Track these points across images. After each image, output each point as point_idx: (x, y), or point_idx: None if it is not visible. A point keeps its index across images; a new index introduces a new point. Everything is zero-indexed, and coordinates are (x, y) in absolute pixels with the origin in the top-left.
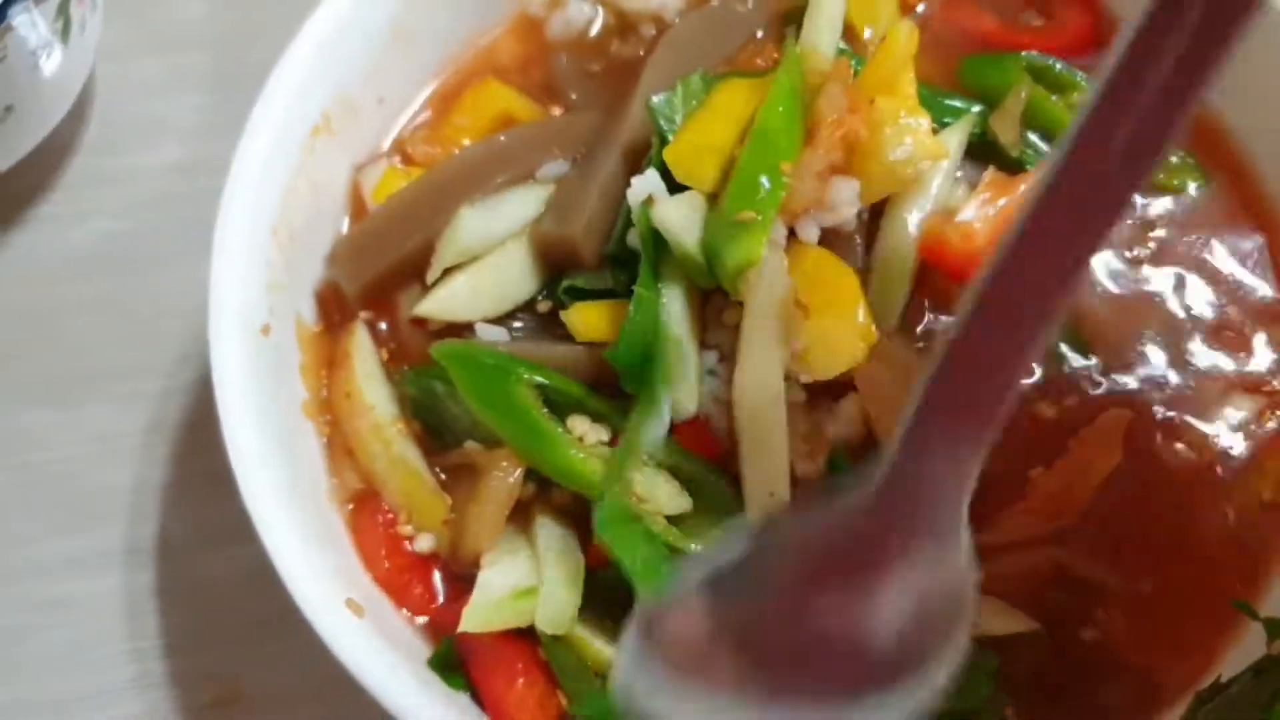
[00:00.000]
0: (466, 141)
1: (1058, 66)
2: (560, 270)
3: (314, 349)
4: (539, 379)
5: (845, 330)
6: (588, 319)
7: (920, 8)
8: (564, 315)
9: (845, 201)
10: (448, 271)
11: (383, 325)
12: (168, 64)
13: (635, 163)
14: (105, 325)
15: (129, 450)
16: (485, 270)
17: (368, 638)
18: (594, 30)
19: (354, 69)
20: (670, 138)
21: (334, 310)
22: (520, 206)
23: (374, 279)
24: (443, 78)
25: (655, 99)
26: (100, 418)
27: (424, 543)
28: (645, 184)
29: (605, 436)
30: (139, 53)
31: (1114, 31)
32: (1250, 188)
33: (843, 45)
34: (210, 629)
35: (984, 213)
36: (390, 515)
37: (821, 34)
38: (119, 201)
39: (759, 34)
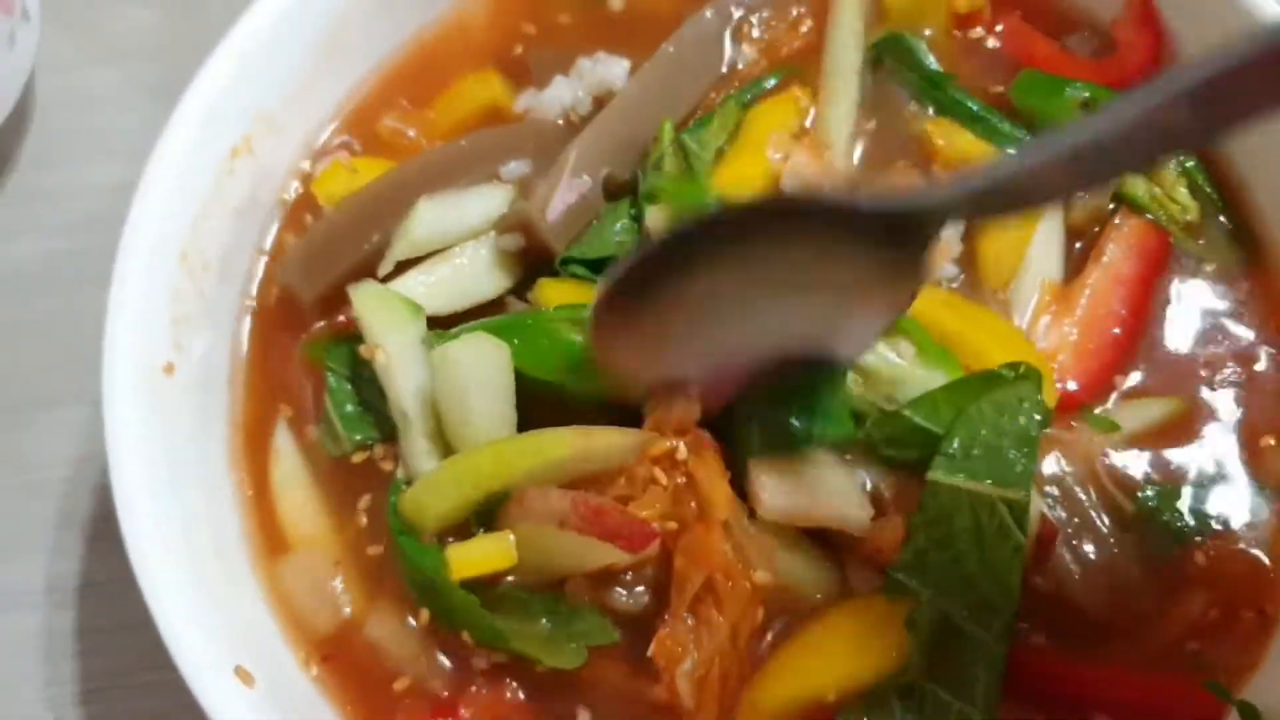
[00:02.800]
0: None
1: None
2: (532, 270)
3: (247, 384)
4: (566, 312)
5: None
6: (559, 292)
7: (978, 29)
8: (532, 293)
9: None
10: (403, 267)
11: (341, 318)
12: (112, 76)
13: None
14: (37, 350)
15: (54, 482)
16: (443, 265)
17: (252, 705)
18: None
19: (279, 87)
20: (696, 165)
21: (280, 330)
22: (483, 203)
23: (331, 284)
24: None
25: (685, 134)
26: (26, 446)
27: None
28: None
29: None
30: (82, 64)
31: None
32: None
33: None
34: (132, 672)
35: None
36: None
37: None
38: (57, 219)
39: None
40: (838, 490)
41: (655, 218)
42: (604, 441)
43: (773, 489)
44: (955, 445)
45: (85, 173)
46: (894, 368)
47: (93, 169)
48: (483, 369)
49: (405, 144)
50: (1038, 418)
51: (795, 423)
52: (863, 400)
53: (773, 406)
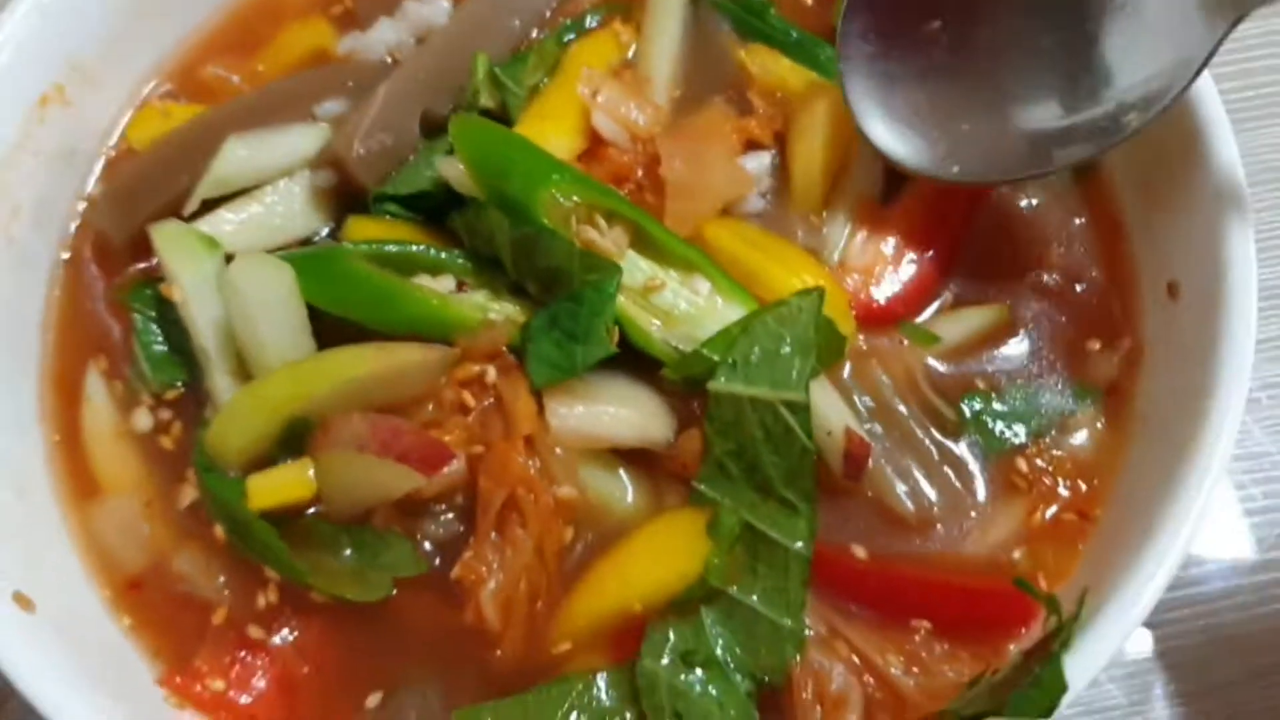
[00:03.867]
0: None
1: None
2: (348, 210)
3: (59, 331)
4: (366, 247)
5: None
6: (368, 230)
7: None
8: (343, 230)
9: None
10: (214, 207)
11: (153, 261)
12: None
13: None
14: None
15: None
16: (253, 203)
17: (29, 631)
18: None
19: (92, 38)
20: (511, 101)
21: (94, 278)
22: (295, 141)
23: (141, 226)
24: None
25: (500, 70)
26: None
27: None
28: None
29: (450, 285)
30: None
31: None
32: None
33: None
34: None
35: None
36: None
37: None
38: None
39: None
40: (636, 409)
41: (448, 167)
42: (405, 357)
43: (564, 414)
44: (735, 355)
45: None
46: (691, 306)
47: None
48: (267, 290)
49: (230, 91)
50: (815, 323)
51: (559, 347)
52: (664, 343)
53: (542, 333)
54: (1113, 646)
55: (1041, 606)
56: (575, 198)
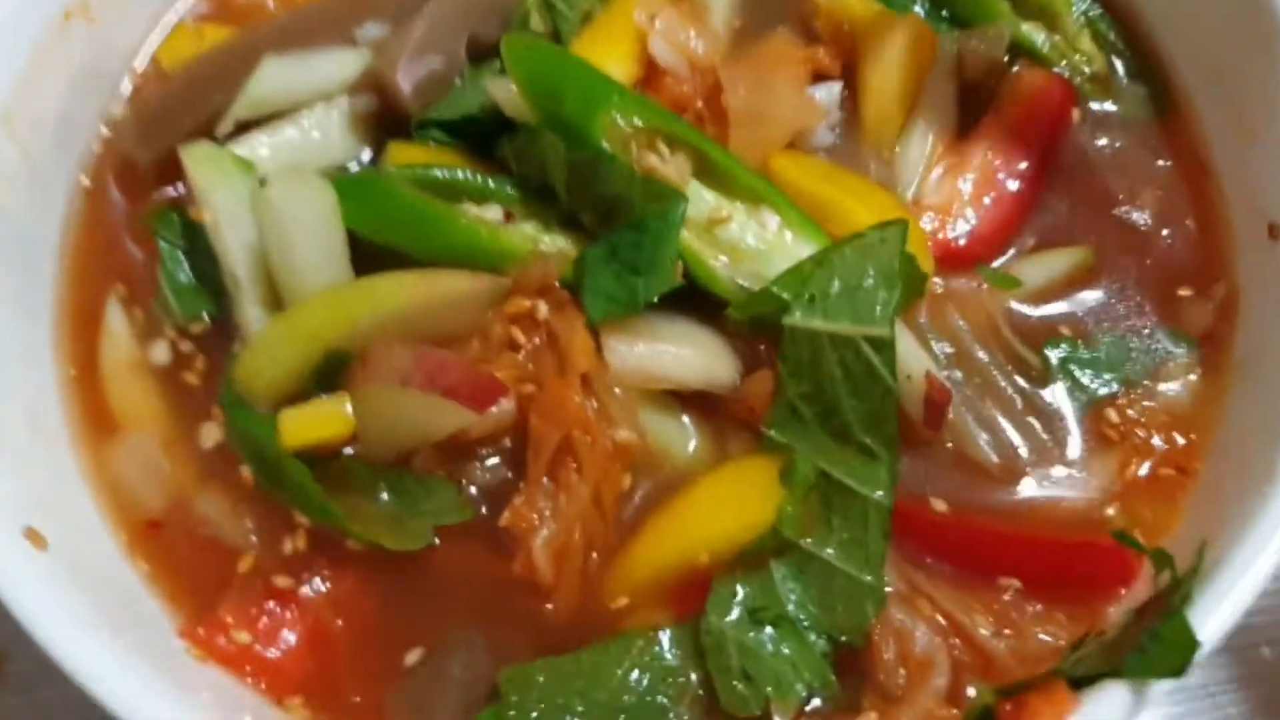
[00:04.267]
0: None
1: None
2: (388, 137)
3: (76, 257)
4: (410, 172)
5: None
6: (410, 156)
7: None
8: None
9: None
10: (248, 131)
11: (182, 188)
12: None
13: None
14: None
15: None
16: (288, 127)
17: (42, 572)
18: None
19: None
20: (563, 27)
21: (116, 203)
22: (334, 64)
23: (169, 148)
24: None
25: None
26: None
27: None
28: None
29: (498, 216)
30: None
31: None
32: None
33: None
34: None
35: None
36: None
37: None
38: None
39: None
40: (698, 349)
41: (499, 88)
42: (452, 286)
43: (624, 352)
44: (812, 289)
45: None
46: (759, 241)
47: None
48: (307, 210)
49: (264, 15)
50: (900, 254)
51: (619, 280)
52: (729, 281)
53: (600, 264)
54: (1245, 599)
55: (1143, 563)
56: (636, 121)
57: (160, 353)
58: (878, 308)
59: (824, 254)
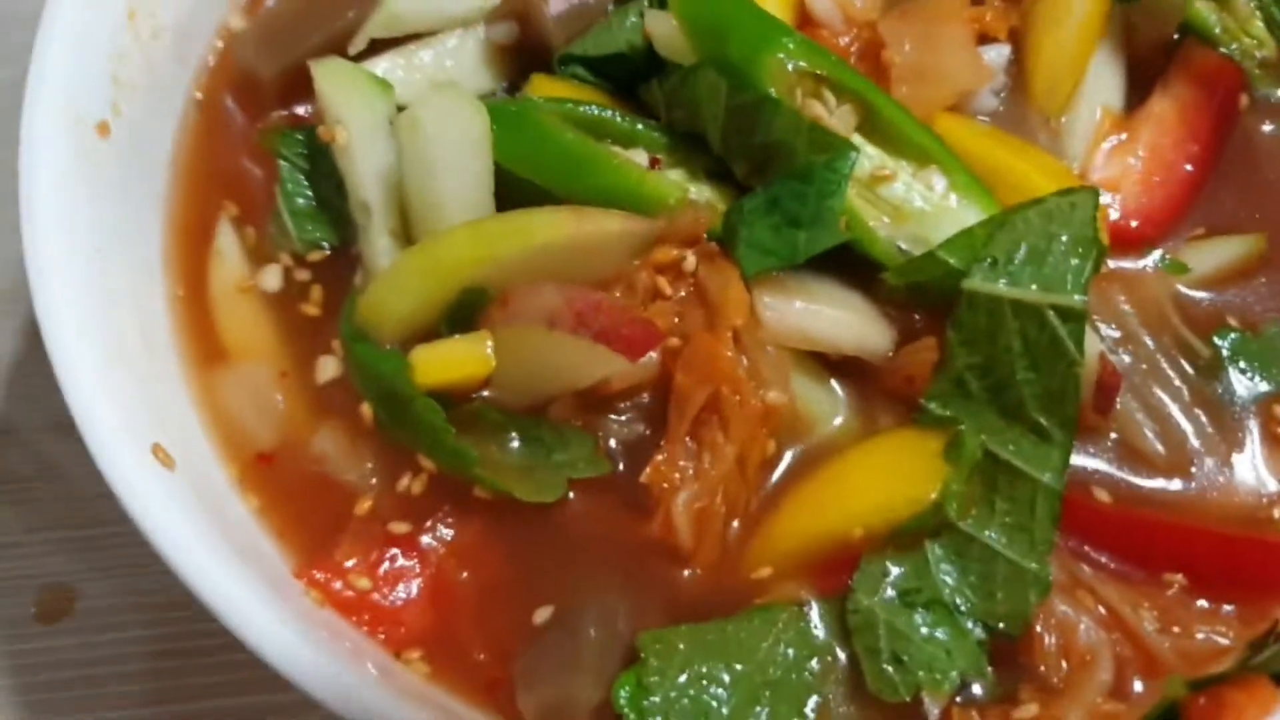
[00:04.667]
0: None
1: None
2: (525, 71)
3: (189, 171)
4: (561, 107)
5: None
6: (554, 90)
7: None
8: (522, 91)
9: None
10: (379, 50)
11: (304, 109)
12: None
13: None
14: None
15: None
16: (424, 50)
17: (171, 491)
18: None
19: None
20: None
21: (232, 118)
22: None
23: (294, 62)
24: None
25: None
26: None
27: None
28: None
29: (643, 161)
30: None
31: None
32: None
33: None
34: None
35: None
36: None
37: None
38: None
39: None
40: (854, 313)
41: (658, 22)
42: (606, 226)
43: (779, 308)
44: (995, 252)
45: None
46: (925, 203)
47: None
48: (458, 132)
49: None
50: (1094, 220)
51: (777, 232)
52: (888, 243)
53: (759, 215)
54: None
55: None
56: (804, 65)
57: (272, 278)
58: (1069, 276)
59: (1005, 217)
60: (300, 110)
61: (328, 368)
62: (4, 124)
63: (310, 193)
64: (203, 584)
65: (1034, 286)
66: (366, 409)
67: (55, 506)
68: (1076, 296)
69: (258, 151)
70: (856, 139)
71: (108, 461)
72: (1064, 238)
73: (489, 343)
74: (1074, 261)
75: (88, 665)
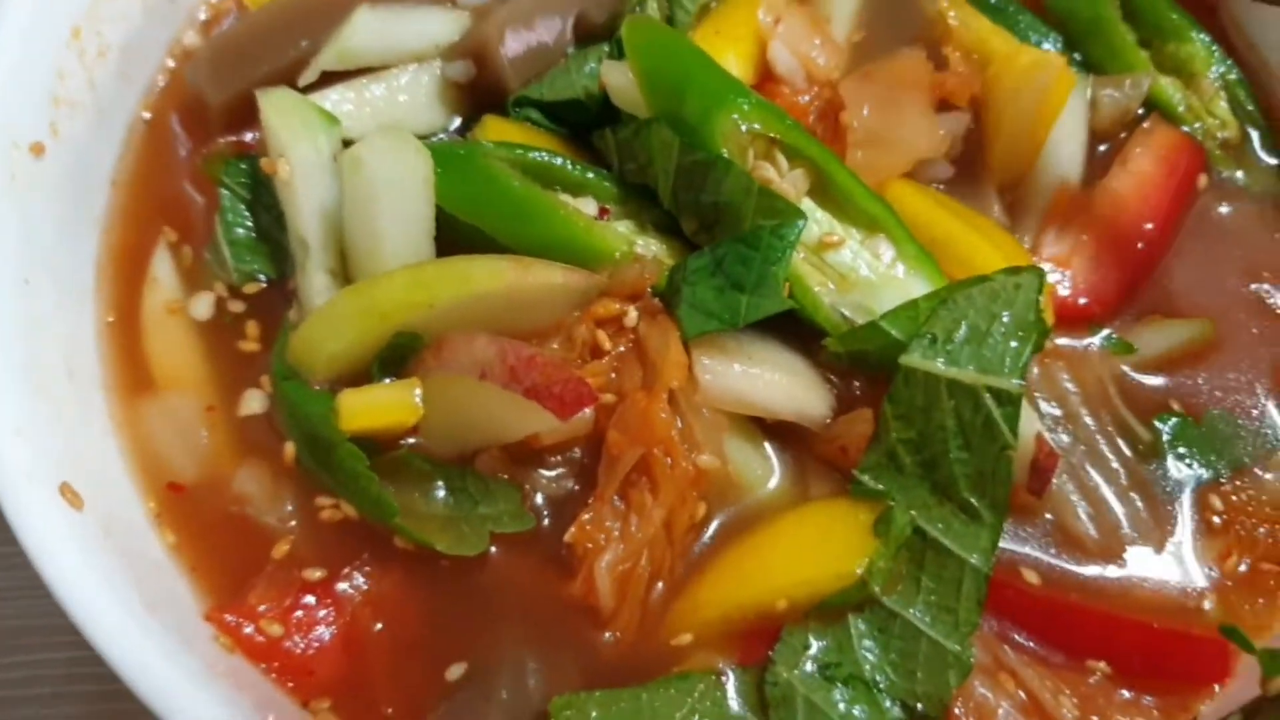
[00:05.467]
0: None
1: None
2: (478, 110)
3: (129, 195)
4: (506, 150)
5: None
6: (505, 133)
7: None
8: (473, 131)
9: None
10: (331, 82)
11: (251, 136)
12: None
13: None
14: None
15: None
16: (376, 85)
17: (77, 534)
18: None
19: None
20: (679, 16)
21: (177, 142)
22: (433, 23)
23: (243, 90)
24: None
25: None
26: None
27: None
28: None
29: (591, 210)
30: None
31: None
32: None
33: None
34: None
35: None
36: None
37: None
38: None
39: None
40: (794, 378)
41: (615, 73)
42: (546, 278)
43: (718, 371)
44: (935, 329)
45: None
46: (871, 271)
47: None
48: (399, 174)
49: None
50: (1035, 304)
51: (721, 295)
52: (832, 310)
53: (703, 276)
54: None
55: (1240, 660)
56: (758, 127)
57: (204, 307)
58: (1008, 358)
59: (948, 293)
60: (248, 137)
61: (253, 401)
62: None
63: (251, 223)
64: (93, 628)
65: (972, 367)
66: (290, 448)
67: None
68: (1014, 380)
69: (200, 177)
70: (806, 204)
71: (9, 501)
72: (1005, 318)
73: (418, 390)
74: (1013, 344)
75: None
